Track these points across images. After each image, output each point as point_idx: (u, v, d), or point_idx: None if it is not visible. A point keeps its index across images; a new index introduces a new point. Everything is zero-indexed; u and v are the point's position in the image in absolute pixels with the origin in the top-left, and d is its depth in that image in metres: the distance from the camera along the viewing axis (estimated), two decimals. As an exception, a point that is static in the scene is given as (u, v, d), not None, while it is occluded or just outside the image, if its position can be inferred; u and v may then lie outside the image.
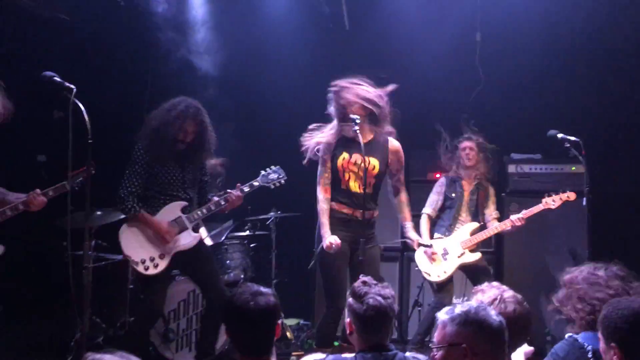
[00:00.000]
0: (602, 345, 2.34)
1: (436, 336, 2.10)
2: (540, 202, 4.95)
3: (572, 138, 4.64)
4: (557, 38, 6.01)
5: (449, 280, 5.09)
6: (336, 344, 4.47)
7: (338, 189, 4.27)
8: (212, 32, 6.15)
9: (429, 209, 5.27)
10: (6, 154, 3.98)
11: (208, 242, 5.15)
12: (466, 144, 5.23)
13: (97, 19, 5.87)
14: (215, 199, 4.38)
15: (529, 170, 5.72)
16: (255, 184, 4.41)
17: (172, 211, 4.24)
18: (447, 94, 6.23)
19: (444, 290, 5.06)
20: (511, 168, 5.78)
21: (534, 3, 5.91)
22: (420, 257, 5.17)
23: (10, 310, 4.75)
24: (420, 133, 5.96)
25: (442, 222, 5.24)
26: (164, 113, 4.18)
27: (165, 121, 4.14)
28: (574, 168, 5.51)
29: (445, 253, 5.09)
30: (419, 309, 5.57)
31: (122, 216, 5.04)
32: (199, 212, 4.30)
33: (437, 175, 5.55)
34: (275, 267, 5.82)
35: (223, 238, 5.48)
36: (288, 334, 5.62)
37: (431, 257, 5.04)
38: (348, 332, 2.66)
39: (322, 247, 4.17)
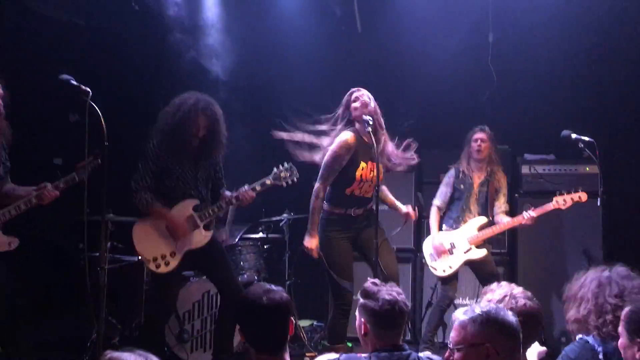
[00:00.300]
0: (623, 341, 2.32)
1: (454, 337, 2.09)
2: (551, 200, 4.91)
3: (586, 138, 4.61)
4: (570, 37, 5.98)
5: (454, 275, 5.08)
6: (349, 344, 4.49)
7: (341, 194, 4.28)
8: (225, 35, 6.19)
9: (438, 200, 5.26)
10: (23, 157, 4.02)
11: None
12: (478, 135, 5.18)
13: (112, 23, 5.95)
14: (227, 194, 4.37)
15: (543, 171, 5.69)
16: (268, 182, 4.36)
17: (183, 209, 4.23)
18: (459, 95, 6.23)
19: (448, 283, 5.06)
20: (524, 169, 5.75)
21: (545, 3, 5.89)
22: (427, 250, 5.19)
23: (26, 310, 4.81)
24: (432, 134, 5.96)
25: (450, 213, 5.22)
26: (175, 109, 4.18)
27: (178, 116, 4.13)
28: (588, 169, 5.47)
29: (452, 247, 5.07)
30: (432, 309, 5.57)
31: (134, 218, 5.13)
32: (210, 211, 4.28)
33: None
34: (288, 268, 5.85)
35: (237, 240, 5.52)
36: (302, 334, 5.64)
37: (440, 251, 5.05)
38: (362, 333, 2.63)
39: (325, 245, 4.26)
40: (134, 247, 4.21)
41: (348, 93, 4.35)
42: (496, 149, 5.22)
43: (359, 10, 6.47)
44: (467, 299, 5.53)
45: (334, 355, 2.84)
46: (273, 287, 2.57)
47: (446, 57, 6.14)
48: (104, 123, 3.38)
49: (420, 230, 5.76)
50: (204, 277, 4.77)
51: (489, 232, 5.06)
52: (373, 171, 4.23)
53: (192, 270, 4.66)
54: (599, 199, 4.54)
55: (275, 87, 6.49)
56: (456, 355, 2.06)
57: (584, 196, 4.85)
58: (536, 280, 5.36)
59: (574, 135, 4.66)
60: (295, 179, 4.41)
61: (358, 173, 4.24)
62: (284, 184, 4.39)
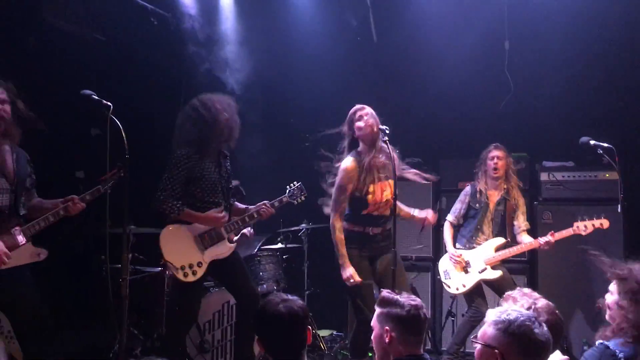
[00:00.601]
0: None
1: (480, 331, 2.17)
2: (572, 225, 4.85)
3: (605, 145, 4.56)
4: (587, 43, 5.95)
5: (480, 290, 5.04)
6: (370, 355, 4.48)
7: (358, 213, 4.27)
8: (241, 47, 6.28)
9: (451, 216, 5.26)
10: (45, 170, 4.10)
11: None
12: (494, 152, 5.12)
13: (132, 38, 6.05)
14: (252, 208, 4.45)
15: (562, 178, 5.65)
16: (285, 199, 4.50)
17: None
18: (476, 103, 6.23)
19: (476, 299, 5.00)
20: (543, 176, 5.71)
21: (561, 10, 5.87)
22: (443, 267, 5.17)
23: (50, 320, 4.87)
24: (450, 143, 5.96)
25: (463, 231, 5.19)
26: (208, 114, 4.19)
27: (212, 122, 4.17)
28: (607, 175, 5.42)
29: (467, 266, 5.04)
30: (453, 319, 5.55)
31: (156, 230, 5.18)
32: (234, 224, 4.36)
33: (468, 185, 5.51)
34: (307, 278, 5.87)
35: (256, 250, 5.56)
36: (321, 344, 5.65)
37: (457, 263, 5.03)
38: (387, 342, 2.62)
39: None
40: (162, 255, 4.18)
41: (352, 111, 4.31)
42: (512, 166, 5.16)
43: (375, 20, 6.52)
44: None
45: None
46: (289, 296, 2.60)
47: (462, 65, 6.15)
48: (124, 136, 3.43)
49: (439, 239, 5.75)
50: (223, 287, 4.82)
51: (506, 253, 5.00)
52: (385, 190, 4.23)
53: (212, 277, 4.68)
54: (619, 206, 4.49)
55: (291, 99, 6.55)
56: (476, 350, 2.16)
57: (605, 223, 4.78)
58: (557, 289, 5.31)
59: (592, 142, 4.60)
60: (303, 198, 4.55)
61: (370, 198, 4.22)
62: (295, 202, 4.53)
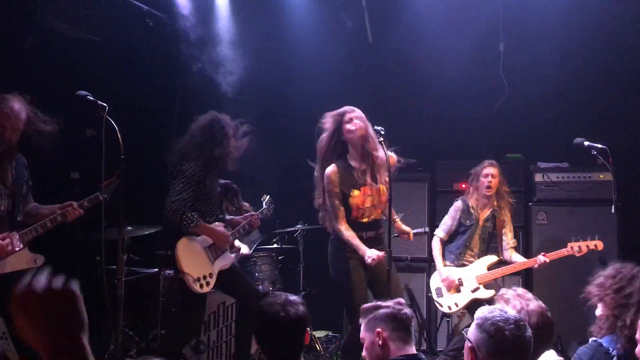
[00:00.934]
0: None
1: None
2: (566, 245, 4.82)
3: (599, 145, 4.58)
4: (582, 45, 5.99)
5: (478, 304, 4.97)
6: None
7: (348, 220, 4.21)
8: (237, 49, 6.28)
9: (441, 232, 5.13)
10: (41, 172, 4.10)
11: (244, 250, 5.34)
12: (488, 170, 4.99)
13: (128, 40, 6.05)
14: (243, 221, 4.62)
15: (556, 179, 5.67)
16: (265, 212, 4.87)
17: None
18: (471, 105, 6.25)
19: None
20: (538, 177, 5.74)
21: (556, 11, 5.91)
22: (434, 284, 5.08)
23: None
24: (445, 144, 5.97)
25: (451, 247, 5.09)
26: (223, 131, 4.30)
27: (221, 140, 4.28)
28: (602, 176, 5.45)
29: (459, 284, 4.95)
30: (448, 319, 5.56)
31: (152, 230, 5.19)
32: (236, 233, 4.53)
33: (463, 186, 5.50)
34: (303, 278, 5.87)
35: (251, 251, 5.56)
36: (317, 346, 5.65)
37: (449, 284, 4.94)
38: (380, 345, 2.64)
39: (340, 267, 4.21)
40: (179, 265, 4.19)
41: (339, 112, 4.21)
42: (505, 184, 5.06)
43: (370, 21, 6.54)
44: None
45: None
46: (290, 297, 2.57)
47: (457, 66, 6.17)
48: (120, 137, 3.44)
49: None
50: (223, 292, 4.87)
51: (499, 272, 4.93)
52: (372, 194, 4.16)
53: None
54: (613, 207, 4.51)
55: (286, 100, 6.56)
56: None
57: (599, 244, 4.75)
58: (552, 290, 5.33)
59: (586, 143, 4.61)
60: (270, 213, 4.88)
61: (352, 202, 4.15)
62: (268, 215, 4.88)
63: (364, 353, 2.75)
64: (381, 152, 4.05)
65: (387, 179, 4.08)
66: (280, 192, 5.67)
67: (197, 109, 6.65)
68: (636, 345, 2.41)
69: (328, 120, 4.23)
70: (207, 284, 4.25)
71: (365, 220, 4.23)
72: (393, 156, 4.21)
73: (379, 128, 4.07)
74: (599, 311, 2.77)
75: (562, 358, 2.78)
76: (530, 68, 6.13)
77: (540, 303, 2.57)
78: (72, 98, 3.64)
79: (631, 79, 5.91)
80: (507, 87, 6.28)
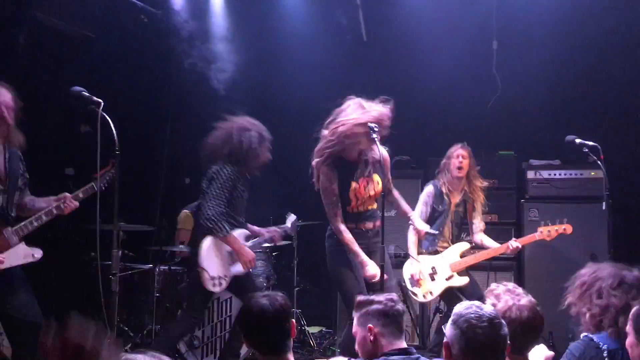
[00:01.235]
0: (630, 339, 2.37)
1: None
2: (536, 230, 4.86)
3: (590, 143, 4.61)
4: (574, 43, 6.04)
5: (452, 292, 4.91)
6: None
7: (345, 212, 4.19)
8: (232, 46, 6.29)
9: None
10: (35, 167, 4.11)
11: None
12: (460, 151, 4.97)
13: (122, 36, 6.06)
14: (265, 235, 4.68)
15: (548, 176, 5.71)
16: (289, 231, 4.91)
17: (240, 239, 4.45)
18: (464, 102, 6.29)
19: (454, 302, 4.85)
20: (530, 174, 5.78)
21: (549, 10, 5.95)
22: (407, 273, 5.05)
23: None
24: (438, 141, 6.00)
25: (428, 235, 4.93)
26: (255, 136, 4.38)
27: (255, 144, 4.37)
28: (593, 173, 5.49)
29: (433, 273, 4.93)
30: (441, 315, 5.60)
31: (145, 227, 5.20)
32: (256, 243, 4.60)
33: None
34: (297, 275, 5.90)
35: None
36: (311, 341, 5.69)
37: (419, 276, 4.92)
38: (372, 340, 2.68)
39: (338, 260, 4.21)
40: (199, 260, 4.27)
41: (375, 127, 3.99)
42: (475, 168, 5.02)
43: (364, 19, 6.56)
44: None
45: (343, 359, 2.90)
46: (270, 292, 2.67)
47: (451, 64, 6.21)
48: (115, 133, 3.45)
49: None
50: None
51: (472, 259, 4.93)
52: (369, 185, 4.16)
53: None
54: (604, 203, 4.55)
55: (281, 97, 6.57)
56: None
57: (569, 228, 4.80)
58: (544, 286, 5.35)
59: (578, 140, 4.63)
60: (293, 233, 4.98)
61: (351, 194, 4.15)
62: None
63: (356, 346, 2.80)
64: (375, 149, 4.08)
65: (388, 176, 4.17)
66: (274, 189, 5.70)
67: (191, 106, 6.72)
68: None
69: (357, 124, 4.04)
70: (220, 284, 4.34)
71: (362, 209, 4.23)
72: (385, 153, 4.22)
73: (372, 125, 4.10)
74: (582, 314, 2.80)
75: (552, 353, 2.83)
76: (523, 66, 6.16)
77: (531, 298, 2.60)
78: (66, 94, 3.64)
79: (622, 76, 5.96)
80: (500, 85, 6.32)
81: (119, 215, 3.85)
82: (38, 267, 3.84)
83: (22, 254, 3.68)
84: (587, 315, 2.70)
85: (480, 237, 5.07)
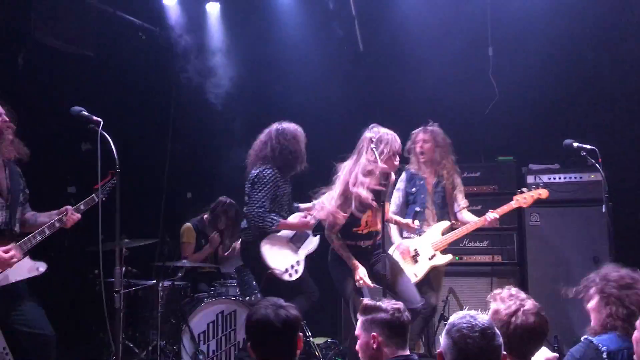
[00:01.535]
0: (637, 335, 2.41)
1: None
2: (512, 199, 4.90)
3: (588, 146, 4.62)
4: (569, 47, 6.07)
5: (425, 278, 4.89)
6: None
7: (349, 230, 4.32)
8: (229, 60, 6.34)
9: (393, 206, 5.07)
10: (38, 186, 4.14)
11: None
12: (420, 136, 4.99)
13: (121, 54, 6.11)
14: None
15: (548, 180, 5.70)
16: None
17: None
18: (462, 109, 6.31)
19: (428, 291, 4.82)
20: (530, 179, 5.77)
21: (543, 15, 5.99)
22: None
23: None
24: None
25: (407, 218, 4.99)
26: (296, 139, 4.60)
27: (298, 146, 4.59)
28: (592, 176, 5.50)
29: (416, 254, 4.91)
30: (446, 322, 5.60)
31: (148, 242, 5.22)
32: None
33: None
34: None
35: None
36: (316, 352, 5.67)
37: (406, 255, 4.89)
38: (375, 347, 2.70)
39: (342, 275, 4.30)
40: (266, 263, 4.44)
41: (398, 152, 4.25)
42: (444, 148, 5.01)
43: (360, 29, 6.61)
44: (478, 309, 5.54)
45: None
46: (282, 302, 2.61)
47: (448, 72, 6.25)
48: (114, 151, 3.48)
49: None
50: (216, 298, 4.92)
51: (453, 236, 4.93)
52: (379, 212, 4.20)
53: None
54: (603, 206, 4.56)
55: (279, 109, 6.60)
56: None
57: (544, 193, 4.86)
58: (547, 290, 5.35)
59: (576, 144, 4.64)
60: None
61: (363, 220, 4.29)
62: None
63: (357, 347, 2.80)
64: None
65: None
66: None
67: (190, 120, 6.76)
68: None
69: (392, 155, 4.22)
70: (296, 271, 4.55)
71: (366, 232, 4.34)
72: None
73: (370, 135, 4.14)
74: (592, 310, 2.82)
75: (556, 354, 2.84)
76: (519, 71, 6.19)
77: (535, 302, 2.62)
78: (67, 113, 3.68)
79: (619, 79, 5.99)
80: (497, 91, 6.35)
81: (121, 232, 3.89)
82: (42, 285, 3.86)
83: (26, 268, 3.71)
84: (603, 318, 2.72)
85: (462, 215, 5.02)
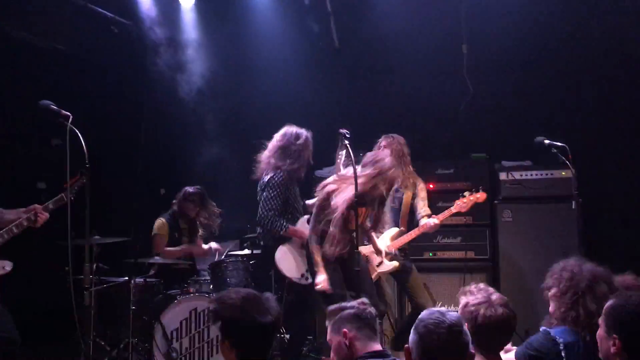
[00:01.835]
0: (601, 332, 2.41)
1: None
2: (452, 204, 4.96)
3: (559, 144, 4.68)
4: (543, 46, 6.15)
5: (380, 288, 4.91)
6: None
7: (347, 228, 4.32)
8: (203, 55, 6.29)
9: None
10: (7, 182, 4.07)
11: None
12: (381, 142, 4.92)
13: (93, 48, 6.02)
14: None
15: (520, 177, 5.78)
16: None
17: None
18: (436, 106, 6.35)
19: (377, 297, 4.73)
20: (502, 175, 5.83)
21: (517, 13, 6.05)
22: None
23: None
24: (410, 145, 6.04)
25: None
26: (304, 143, 4.73)
27: (306, 149, 4.73)
28: (564, 173, 5.56)
29: (366, 262, 4.83)
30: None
31: (120, 239, 5.16)
32: None
33: (431, 186, 5.58)
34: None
35: (223, 256, 5.56)
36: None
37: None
38: (347, 345, 2.70)
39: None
40: (281, 271, 4.68)
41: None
42: (404, 157, 4.96)
43: (336, 26, 6.61)
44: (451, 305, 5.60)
45: (323, 362, 2.92)
46: (268, 295, 2.61)
47: (422, 68, 6.29)
48: (85, 146, 3.43)
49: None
50: (191, 295, 4.88)
51: (399, 241, 4.94)
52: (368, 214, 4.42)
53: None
54: (573, 202, 4.63)
55: (253, 105, 6.58)
56: None
57: (482, 196, 4.97)
58: (518, 285, 5.45)
59: (547, 141, 4.71)
60: None
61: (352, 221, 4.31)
62: None
63: (332, 354, 2.80)
64: None
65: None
66: (249, 197, 5.69)
67: (164, 115, 6.69)
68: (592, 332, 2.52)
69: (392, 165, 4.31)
70: (307, 279, 4.65)
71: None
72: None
73: (344, 131, 4.15)
74: (551, 304, 2.88)
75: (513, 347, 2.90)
76: (492, 69, 6.26)
77: (501, 295, 2.66)
78: (36, 108, 3.62)
79: (589, 78, 6.08)
80: (471, 88, 6.40)
81: (94, 228, 3.84)
82: (10, 284, 3.80)
83: None
84: (562, 309, 2.76)
85: (422, 223, 4.96)
